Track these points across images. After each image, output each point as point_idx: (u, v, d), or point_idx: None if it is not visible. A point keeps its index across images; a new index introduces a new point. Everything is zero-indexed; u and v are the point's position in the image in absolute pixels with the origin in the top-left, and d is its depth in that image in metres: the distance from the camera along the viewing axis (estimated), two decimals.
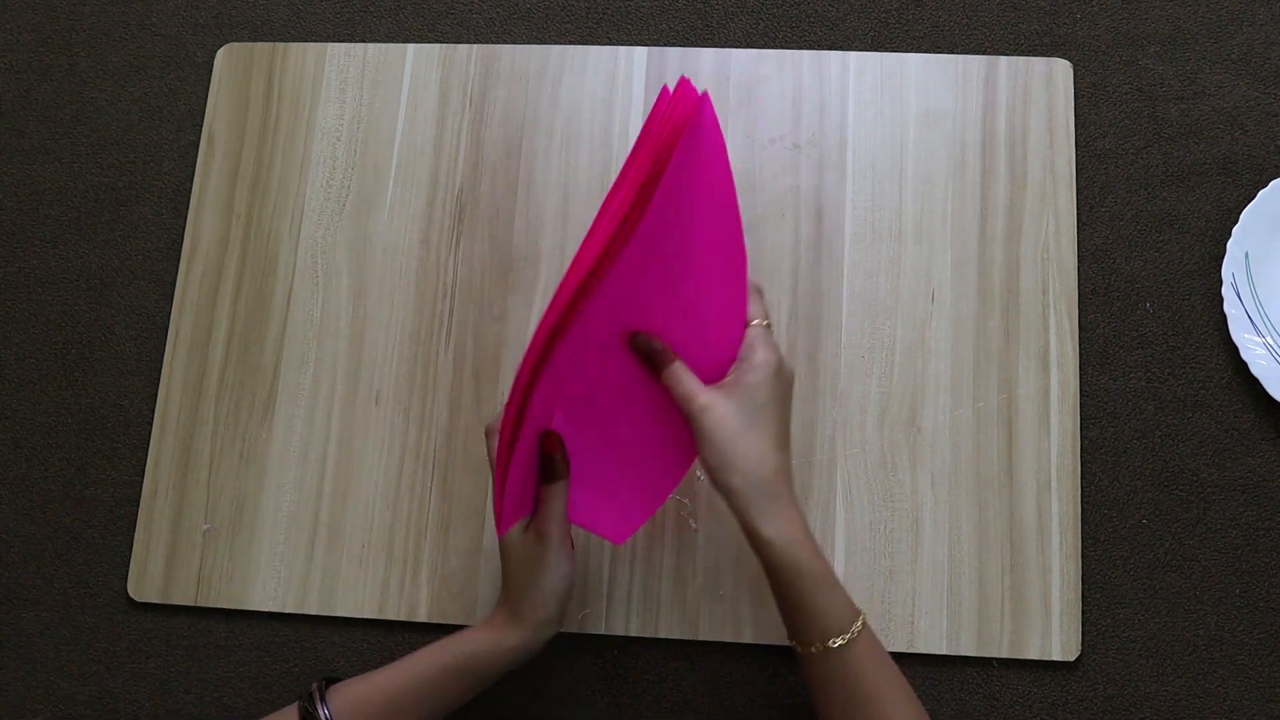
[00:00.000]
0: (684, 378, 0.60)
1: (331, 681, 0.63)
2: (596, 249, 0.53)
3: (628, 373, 0.61)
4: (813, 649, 0.59)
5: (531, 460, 0.61)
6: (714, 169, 0.57)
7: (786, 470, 0.60)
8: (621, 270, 0.53)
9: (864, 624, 0.59)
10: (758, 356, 0.60)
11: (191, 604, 0.73)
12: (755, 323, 0.62)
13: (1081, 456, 0.72)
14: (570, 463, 0.62)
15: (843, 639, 0.58)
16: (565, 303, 0.54)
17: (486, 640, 0.63)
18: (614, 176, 0.78)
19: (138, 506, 0.75)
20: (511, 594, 0.63)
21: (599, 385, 0.60)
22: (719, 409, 0.59)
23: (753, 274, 0.76)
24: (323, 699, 0.61)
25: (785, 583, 0.59)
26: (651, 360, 0.60)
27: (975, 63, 0.79)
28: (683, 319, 0.60)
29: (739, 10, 0.82)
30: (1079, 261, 0.75)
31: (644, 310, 0.59)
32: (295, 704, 0.62)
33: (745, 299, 0.63)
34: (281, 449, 0.75)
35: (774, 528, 0.59)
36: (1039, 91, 0.78)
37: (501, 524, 0.61)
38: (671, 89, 0.54)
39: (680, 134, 0.52)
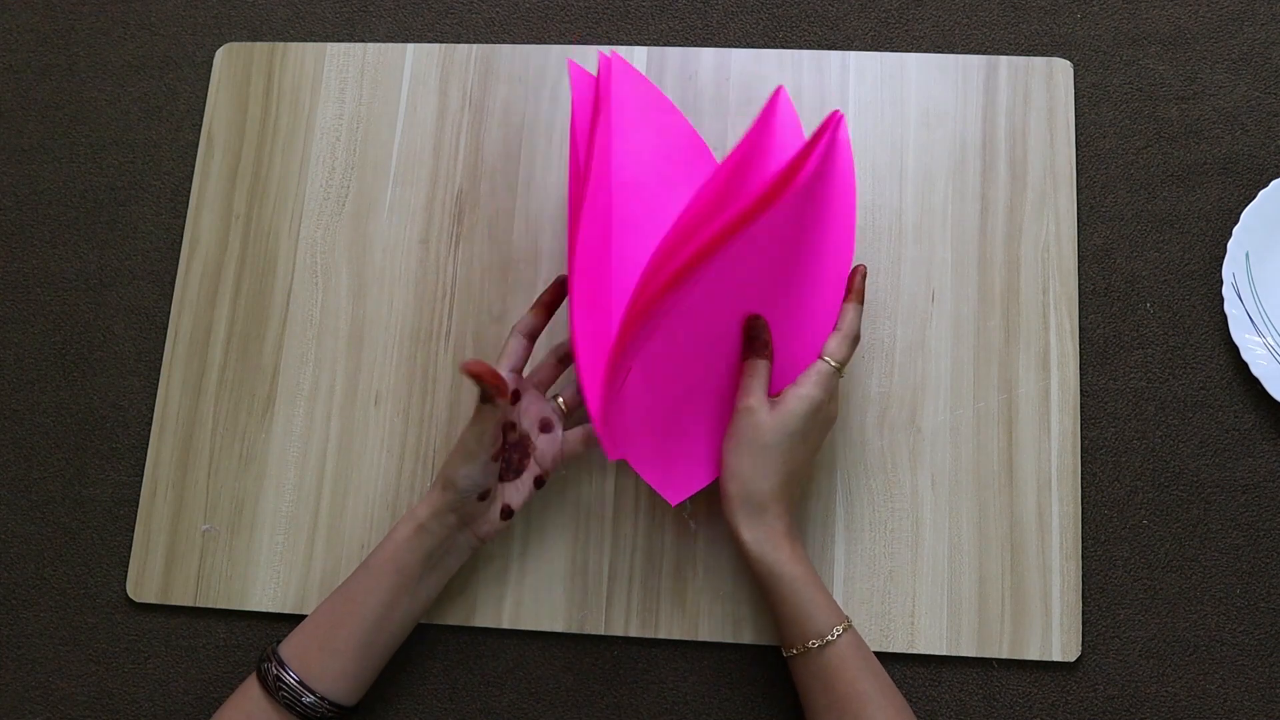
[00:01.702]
0: (759, 373, 0.64)
1: (279, 643, 0.64)
2: (732, 212, 0.54)
3: (717, 347, 0.65)
4: (795, 650, 0.62)
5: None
6: (845, 195, 0.64)
7: (785, 498, 0.63)
8: (747, 241, 0.57)
9: (846, 628, 0.61)
10: (805, 389, 0.62)
11: (191, 604, 0.73)
12: (825, 359, 0.64)
13: (1081, 456, 0.72)
14: (640, 410, 0.64)
15: (820, 641, 0.60)
16: (692, 254, 0.54)
17: (413, 528, 0.63)
18: None
19: (137, 506, 0.75)
20: (444, 465, 0.63)
21: (685, 346, 0.63)
22: (757, 420, 0.62)
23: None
24: (277, 659, 0.62)
25: (766, 587, 0.62)
26: (751, 344, 0.65)
27: (975, 63, 0.79)
28: (781, 319, 0.64)
29: (739, 10, 0.82)
30: (1079, 261, 0.75)
31: (752, 292, 0.63)
32: (250, 679, 0.62)
33: (829, 330, 0.65)
34: (281, 449, 0.75)
35: (751, 533, 0.62)
36: (1039, 91, 0.78)
37: (611, 440, 0.59)
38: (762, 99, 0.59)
39: (820, 141, 0.57)
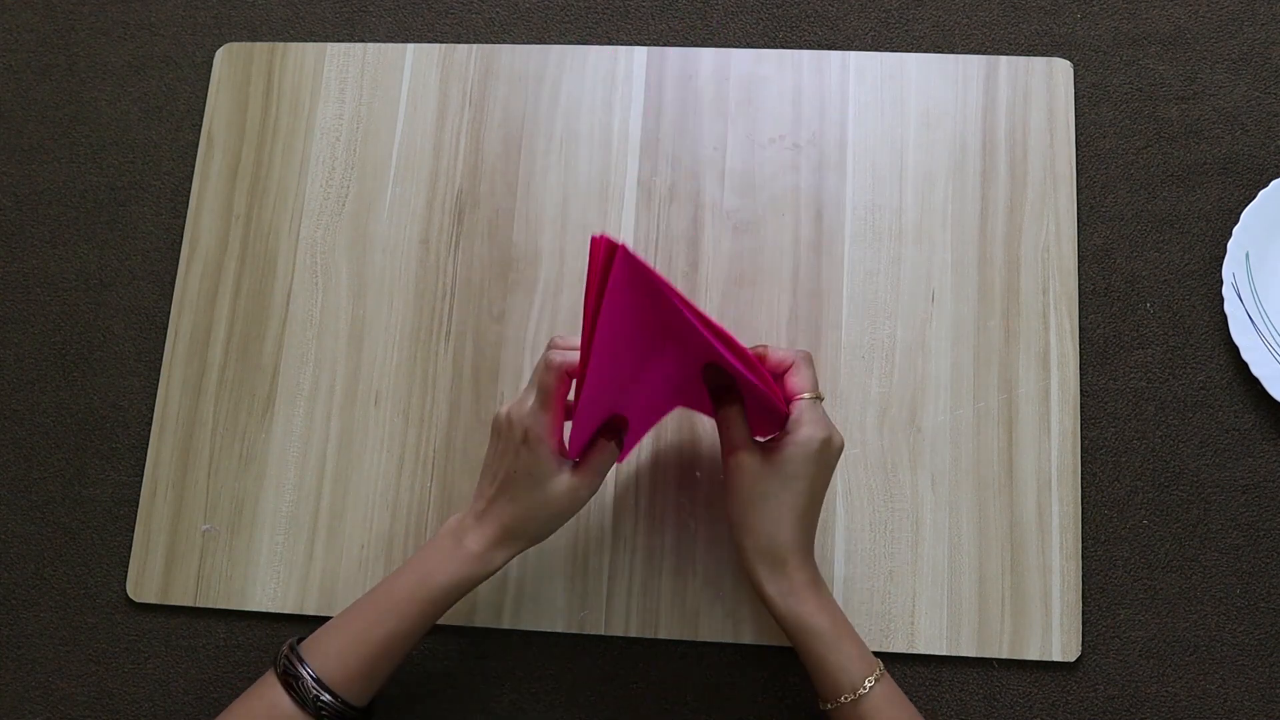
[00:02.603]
0: (737, 422, 0.61)
1: (300, 641, 0.62)
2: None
3: (672, 383, 0.63)
4: (829, 706, 0.61)
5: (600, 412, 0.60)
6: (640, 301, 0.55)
7: (800, 545, 0.61)
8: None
9: (879, 679, 0.60)
10: (802, 433, 0.60)
11: (191, 604, 0.73)
12: (805, 396, 0.62)
13: (1081, 456, 0.72)
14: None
15: (853, 695, 0.59)
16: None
17: (464, 568, 0.61)
18: (613, 176, 0.78)
19: (137, 506, 0.75)
20: (507, 517, 0.61)
21: (645, 381, 0.61)
22: (751, 469, 0.60)
23: (753, 274, 0.76)
24: (300, 659, 0.60)
25: (795, 640, 0.61)
26: (717, 394, 0.62)
27: (975, 63, 0.79)
28: (746, 369, 0.59)
29: (739, 10, 0.82)
30: (1079, 261, 0.75)
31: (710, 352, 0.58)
32: (269, 673, 0.61)
33: (771, 378, 0.63)
34: (281, 449, 0.75)
35: (774, 586, 0.61)
36: (1039, 91, 0.78)
37: (575, 442, 0.59)
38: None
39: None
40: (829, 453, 0.61)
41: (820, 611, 0.60)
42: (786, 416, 0.62)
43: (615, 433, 0.62)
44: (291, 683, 0.60)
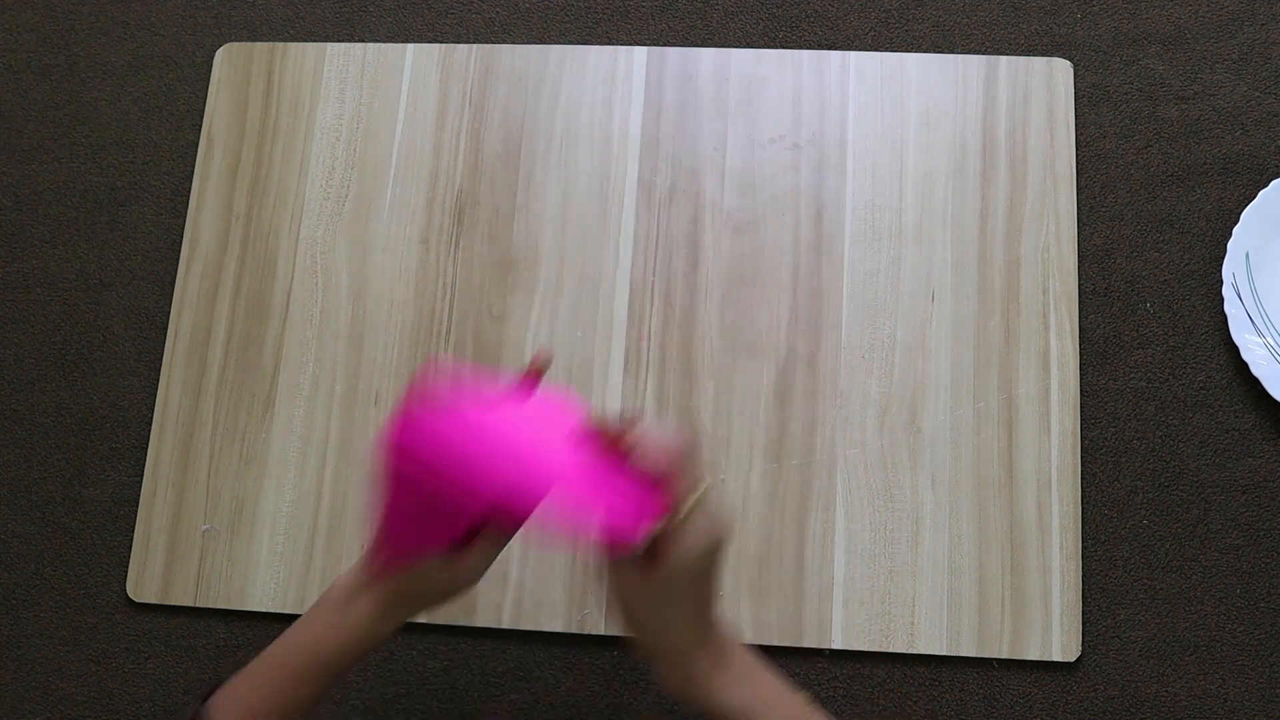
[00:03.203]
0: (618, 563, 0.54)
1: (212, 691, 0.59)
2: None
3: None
4: None
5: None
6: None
7: (699, 632, 0.54)
8: None
9: (811, 710, 0.55)
10: (682, 547, 0.51)
11: (191, 604, 0.73)
12: (691, 498, 0.52)
13: (1081, 456, 0.72)
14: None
15: None
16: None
17: (352, 638, 0.58)
18: (613, 176, 0.78)
19: (137, 506, 0.75)
20: (403, 588, 0.58)
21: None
22: (631, 584, 0.53)
23: (753, 274, 0.76)
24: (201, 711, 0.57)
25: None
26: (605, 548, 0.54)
27: (975, 63, 0.79)
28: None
29: (739, 10, 0.82)
30: (1079, 261, 0.75)
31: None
32: None
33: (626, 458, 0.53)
34: (281, 449, 0.75)
35: (679, 682, 0.54)
36: (1039, 91, 0.78)
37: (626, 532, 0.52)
38: None
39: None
40: (714, 555, 0.53)
41: (734, 690, 0.54)
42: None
43: (497, 532, 0.57)
44: None
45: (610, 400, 0.74)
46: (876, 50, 0.80)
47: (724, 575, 0.60)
